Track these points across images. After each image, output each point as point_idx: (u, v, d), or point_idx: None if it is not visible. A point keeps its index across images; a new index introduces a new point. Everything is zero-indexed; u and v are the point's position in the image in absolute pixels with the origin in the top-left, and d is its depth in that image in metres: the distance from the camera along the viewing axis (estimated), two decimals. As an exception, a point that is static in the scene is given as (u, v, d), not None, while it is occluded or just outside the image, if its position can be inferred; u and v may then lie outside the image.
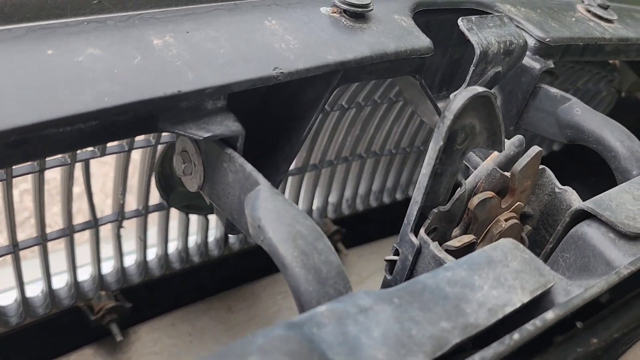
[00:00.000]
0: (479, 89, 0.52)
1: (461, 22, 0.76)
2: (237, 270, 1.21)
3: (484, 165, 0.63)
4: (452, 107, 0.51)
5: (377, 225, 1.50)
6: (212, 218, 1.12)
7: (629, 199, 0.60)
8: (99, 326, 1.05)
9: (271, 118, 0.71)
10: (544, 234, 0.72)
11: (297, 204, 1.23)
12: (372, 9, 0.70)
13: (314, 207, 1.31)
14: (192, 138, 0.55)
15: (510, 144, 0.64)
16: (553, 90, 0.86)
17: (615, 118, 1.65)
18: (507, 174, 0.61)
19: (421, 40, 0.72)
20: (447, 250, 0.57)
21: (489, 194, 0.59)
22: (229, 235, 1.17)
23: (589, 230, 0.58)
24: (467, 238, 0.59)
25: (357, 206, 1.34)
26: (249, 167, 0.55)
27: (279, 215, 0.50)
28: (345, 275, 0.48)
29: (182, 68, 0.54)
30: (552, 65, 0.88)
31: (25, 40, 0.52)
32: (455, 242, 0.58)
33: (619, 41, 0.96)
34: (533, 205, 0.73)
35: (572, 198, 0.69)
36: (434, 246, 0.56)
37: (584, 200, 0.62)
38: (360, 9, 0.69)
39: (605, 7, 1.00)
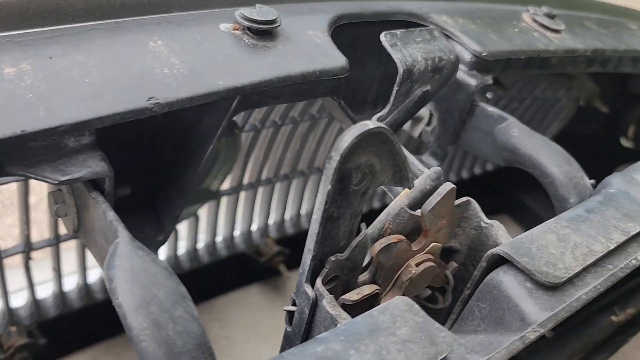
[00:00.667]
0: (370, 124, 0.45)
1: (384, 38, 0.70)
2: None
3: (394, 203, 0.56)
4: (339, 147, 0.45)
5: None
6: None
7: (553, 240, 0.54)
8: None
9: (167, 147, 0.64)
10: (471, 271, 0.66)
11: (232, 225, 1.17)
12: (278, 25, 0.63)
13: (254, 227, 1.24)
14: (46, 182, 0.48)
15: (427, 178, 0.58)
16: (490, 108, 0.80)
17: (575, 127, 1.60)
18: (418, 213, 0.54)
19: (335, 60, 0.65)
20: (344, 305, 0.51)
21: (394, 238, 0.53)
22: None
23: (504, 278, 0.51)
24: (368, 289, 0.53)
25: (302, 224, 1.27)
26: (110, 215, 0.48)
27: (134, 275, 0.43)
28: (207, 346, 0.42)
29: (34, 102, 0.47)
30: (491, 81, 0.81)
31: None
32: (353, 295, 0.51)
33: (565, 53, 0.90)
34: (460, 239, 0.67)
35: (499, 234, 0.63)
36: (327, 301, 0.49)
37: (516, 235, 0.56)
38: (264, 26, 0.62)
39: (551, 17, 0.94)
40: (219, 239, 1.17)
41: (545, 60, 0.90)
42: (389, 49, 0.69)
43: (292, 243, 1.26)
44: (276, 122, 1.01)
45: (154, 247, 0.64)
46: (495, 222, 0.64)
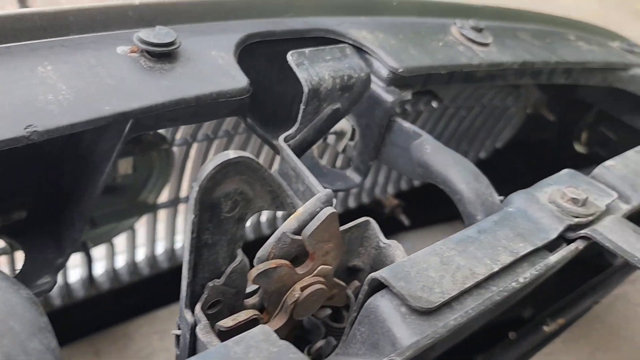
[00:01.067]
0: (231, 154, 0.45)
1: (290, 57, 0.70)
2: (107, 310, 1.14)
3: (281, 227, 0.56)
4: (199, 178, 0.45)
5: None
6: (75, 257, 1.05)
7: (435, 263, 0.55)
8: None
9: (66, 170, 0.64)
10: (375, 289, 0.66)
11: (172, 237, 1.17)
12: (177, 47, 0.64)
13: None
14: None
15: (317, 200, 0.58)
16: (406, 124, 0.80)
17: (525, 136, 1.61)
18: (298, 237, 0.55)
19: (235, 81, 0.65)
20: (222, 331, 0.51)
21: (272, 263, 0.53)
22: (96, 274, 1.10)
23: (381, 303, 0.52)
24: (245, 315, 0.53)
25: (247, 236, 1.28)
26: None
27: (-8, 307, 0.44)
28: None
29: None
30: (409, 97, 0.82)
31: None
32: (228, 321, 0.52)
33: (490, 66, 0.91)
34: (363, 258, 0.67)
35: (396, 254, 0.64)
36: (200, 327, 0.50)
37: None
38: (161, 49, 0.62)
39: (478, 30, 0.95)
40: (159, 251, 1.17)
41: (470, 74, 0.91)
42: (295, 68, 0.69)
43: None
44: (208, 136, 1.01)
45: (54, 270, 0.64)
46: (393, 242, 0.65)
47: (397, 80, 0.81)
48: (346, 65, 0.73)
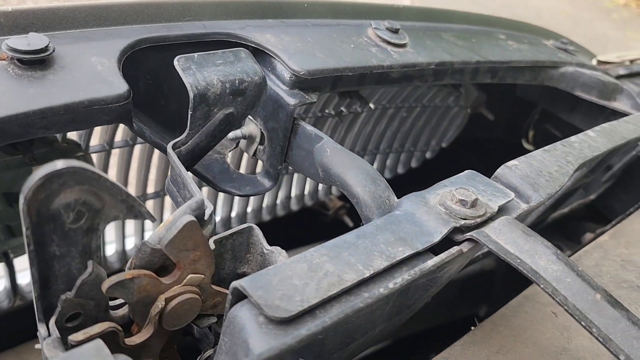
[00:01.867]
0: (59, 164, 0.44)
1: (176, 62, 0.68)
2: (33, 320, 1.11)
3: (151, 234, 0.55)
4: (23, 190, 0.43)
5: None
6: None
7: (302, 271, 0.53)
8: None
9: None
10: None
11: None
12: (49, 54, 0.62)
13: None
14: None
15: (186, 208, 0.57)
16: (309, 127, 0.79)
17: (472, 134, 1.61)
18: (157, 246, 0.53)
19: (113, 88, 0.64)
20: (72, 345, 0.49)
21: (127, 274, 0.51)
22: (21, 284, 1.08)
23: (240, 312, 0.50)
24: (98, 328, 0.51)
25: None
26: None
27: None
28: None
29: None
30: (314, 100, 0.81)
31: None
32: (79, 335, 0.50)
33: (403, 67, 0.90)
34: (251, 265, 0.66)
35: (279, 260, 0.62)
36: (47, 342, 0.48)
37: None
38: (32, 56, 0.61)
39: (394, 31, 0.94)
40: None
41: (383, 75, 0.90)
42: (181, 73, 0.68)
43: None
44: (128, 142, 0.99)
45: None
46: (276, 249, 0.63)
47: (300, 83, 0.80)
48: (238, 69, 0.72)
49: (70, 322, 0.52)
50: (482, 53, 1.04)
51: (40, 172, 0.43)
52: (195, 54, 0.70)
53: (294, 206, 1.40)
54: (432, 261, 0.58)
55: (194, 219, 0.53)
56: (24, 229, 0.45)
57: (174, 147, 0.69)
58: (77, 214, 0.48)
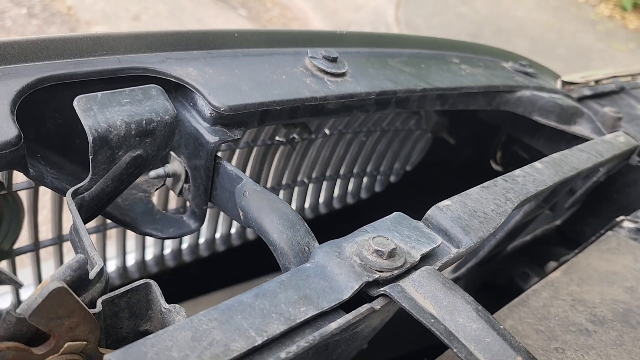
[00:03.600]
0: None
1: (76, 102, 0.64)
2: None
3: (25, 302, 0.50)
4: None
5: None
6: None
7: (184, 340, 0.48)
8: None
9: None
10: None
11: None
12: None
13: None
14: None
15: (67, 268, 0.52)
16: (230, 167, 0.74)
17: (436, 156, 1.56)
18: (20, 315, 0.48)
19: (1, 134, 0.59)
20: None
21: (-16, 350, 0.47)
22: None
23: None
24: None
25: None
26: None
27: None
28: None
29: None
30: (238, 136, 0.76)
31: None
32: None
33: (339, 98, 0.85)
34: (154, 322, 0.61)
35: (177, 319, 0.58)
36: None
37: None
38: None
39: (331, 60, 0.90)
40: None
41: (318, 107, 0.85)
42: (80, 115, 0.63)
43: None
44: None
45: None
46: (174, 307, 0.58)
47: (222, 119, 0.75)
48: (147, 108, 0.67)
49: None
50: (430, 79, 1.00)
51: None
52: (99, 93, 0.66)
53: (250, 235, 1.35)
54: (336, 323, 0.53)
55: (62, 285, 0.48)
56: None
57: (75, 194, 0.64)
58: None
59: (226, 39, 0.85)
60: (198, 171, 0.77)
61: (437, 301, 0.58)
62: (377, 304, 0.57)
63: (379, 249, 0.60)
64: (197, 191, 0.79)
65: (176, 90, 0.78)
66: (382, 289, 0.58)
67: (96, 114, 0.64)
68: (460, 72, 1.09)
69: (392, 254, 0.60)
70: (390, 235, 0.63)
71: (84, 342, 0.52)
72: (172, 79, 0.76)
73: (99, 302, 0.55)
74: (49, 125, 0.73)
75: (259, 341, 0.50)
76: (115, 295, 0.57)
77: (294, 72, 0.87)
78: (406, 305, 0.56)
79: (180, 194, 0.82)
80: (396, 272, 0.59)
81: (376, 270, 0.59)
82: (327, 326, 0.53)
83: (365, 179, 1.48)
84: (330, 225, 1.48)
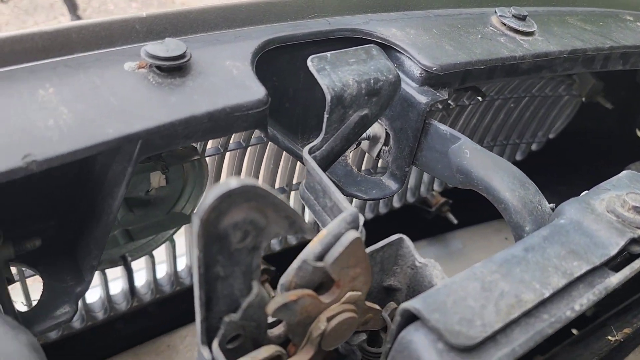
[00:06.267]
0: (233, 183, 0.40)
1: (310, 63, 0.64)
2: (149, 322, 1.12)
3: (302, 253, 0.51)
4: (199, 212, 0.40)
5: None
6: (115, 270, 1.03)
7: (475, 290, 0.48)
8: None
9: (79, 196, 0.61)
10: (414, 311, 0.60)
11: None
12: (187, 60, 0.59)
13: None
14: None
15: (341, 221, 0.53)
16: (443, 127, 0.73)
17: (579, 124, 1.50)
18: (320, 264, 0.49)
19: (251, 93, 0.61)
20: (240, 370, 0.46)
21: (292, 295, 0.48)
22: (137, 286, 1.08)
23: (415, 337, 0.46)
24: (265, 352, 0.48)
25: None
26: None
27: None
28: None
29: None
30: (446, 97, 0.75)
31: None
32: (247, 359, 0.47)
33: (535, 57, 0.83)
34: (399, 277, 0.62)
35: (434, 274, 0.58)
36: (216, 368, 0.45)
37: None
38: (170, 63, 0.58)
39: (521, 18, 0.87)
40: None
41: (514, 67, 0.83)
42: (316, 75, 0.64)
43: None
44: (240, 144, 0.97)
45: (74, 299, 0.62)
46: (430, 262, 0.59)
47: (431, 80, 0.74)
48: (372, 67, 0.67)
49: (230, 343, 0.49)
50: (614, 37, 0.95)
51: (215, 192, 0.40)
52: (328, 54, 0.66)
53: (396, 203, 1.35)
54: (615, 278, 0.52)
55: (359, 235, 0.49)
56: (195, 252, 0.42)
57: (309, 152, 0.66)
58: (244, 233, 0.45)
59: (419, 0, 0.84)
60: (404, 132, 0.77)
61: None
62: (643, 261, 0.55)
63: (636, 205, 0.58)
64: (400, 153, 0.78)
65: (379, 51, 0.78)
66: (647, 245, 0.56)
67: (330, 73, 0.65)
68: (638, 29, 1.03)
69: (649, 211, 0.58)
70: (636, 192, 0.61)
71: (359, 293, 0.53)
72: (379, 40, 0.76)
73: (362, 255, 0.56)
74: (267, 88, 0.75)
75: (547, 294, 0.49)
76: (374, 250, 0.57)
77: (487, 32, 0.85)
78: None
79: (378, 156, 0.82)
80: (656, 228, 0.57)
81: (636, 227, 0.57)
82: (607, 280, 0.52)
83: (507, 147, 1.44)
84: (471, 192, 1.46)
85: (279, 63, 0.73)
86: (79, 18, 3.72)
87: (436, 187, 1.41)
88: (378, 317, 0.59)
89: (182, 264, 1.15)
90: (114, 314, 1.06)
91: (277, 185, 1.12)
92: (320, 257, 0.50)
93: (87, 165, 0.59)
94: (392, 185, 0.81)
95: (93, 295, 1.06)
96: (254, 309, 0.48)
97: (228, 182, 0.41)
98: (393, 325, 0.50)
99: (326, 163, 0.69)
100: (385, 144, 0.81)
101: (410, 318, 0.48)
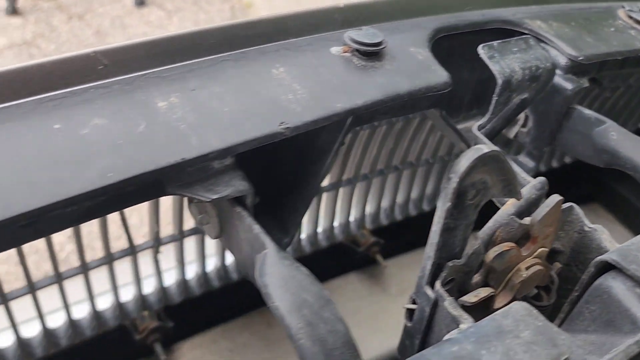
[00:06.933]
0: (485, 148, 0.49)
1: (482, 50, 0.73)
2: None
3: (502, 211, 0.60)
4: (457, 170, 0.49)
5: (418, 234, 1.48)
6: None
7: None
8: (143, 345, 1.09)
9: (289, 161, 0.71)
10: (575, 271, 0.69)
11: (332, 219, 1.24)
12: (384, 46, 0.68)
13: (351, 219, 1.31)
14: (200, 200, 0.56)
15: (532, 187, 0.61)
16: (587, 112, 0.81)
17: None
18: (526, 221, 0.58)
19: (438, 76, 0.69)
20: (463, 306, 0.55)
21: (507, 246, 0.57)
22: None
23: (614, 284, 0.54)
24: (484, 292, 0.57)
25: (395, 215, 1.33)
26: (256, 228, 0.55)
27: (284, 281, 0.50)
28: (353, 344, 0.48)
29: (187, 132, 0.55)
30: (587, 84, 0.83)
31: (34, 115, 0.53)
32: (472, 297, 0.56)
33: (664, 50, 0.90)
34: (563, 241, 0.70)
35: (602, 238, 0.66)
36: (448, 303, 0.54)
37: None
38: (372, 48, 0.67)
39: (648, 13, 0.94)
40: (320, 229, 1.25)
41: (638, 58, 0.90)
42: (487, 62, 0.72)
43: (386, 234, 1.32)
44: (373, 124, 1.06)
45: (283, 247, 0.71)
46: (599, 227, 0.67)
47: (575, 68, 0.82)
48: (532, 56, 0.75)
49: (444, 287, 0.58)
50: None
51: (470, 155, 0.49)
52: (494, 43, 0.75)
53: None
54: None
55: (561, 198, 0.57)
56: (446, 204, 0.51)
57: (478, 129, 0.74)
58: (476, 192, 0.53)
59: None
60: (546, 116, 0.85)
61: None
62: None
63: None
64: (540, 134, 0.86)
65: (523, 42, 0.86)
66: None
67: (499, 60, 0.73)
68: None
69: None
70: None
71: (547, 249, 0.62)
72: (526, 32, 0.84)
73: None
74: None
75: None
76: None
77: (617, 25, 0.92)
78: None
79: (515, 136, 0.90)
80: None
81: None
82: None
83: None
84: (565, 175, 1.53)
85: (440, 51, 0.82)
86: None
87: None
88: (547, 275, 0.68)
89: (304, 233, 1.25)
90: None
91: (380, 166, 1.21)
92: (517, 216, 0.59)
93: (297, 136, 0.69)
94: (529, 162, 0.89)
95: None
96: (475, 257, 0.57)
97: (480, 148, 0.50)
98: (585, 276, 0.58)
99: (489, 139, 0.77)
100: (523, 126, 0.89)
101: (602, 269, 0.57)
